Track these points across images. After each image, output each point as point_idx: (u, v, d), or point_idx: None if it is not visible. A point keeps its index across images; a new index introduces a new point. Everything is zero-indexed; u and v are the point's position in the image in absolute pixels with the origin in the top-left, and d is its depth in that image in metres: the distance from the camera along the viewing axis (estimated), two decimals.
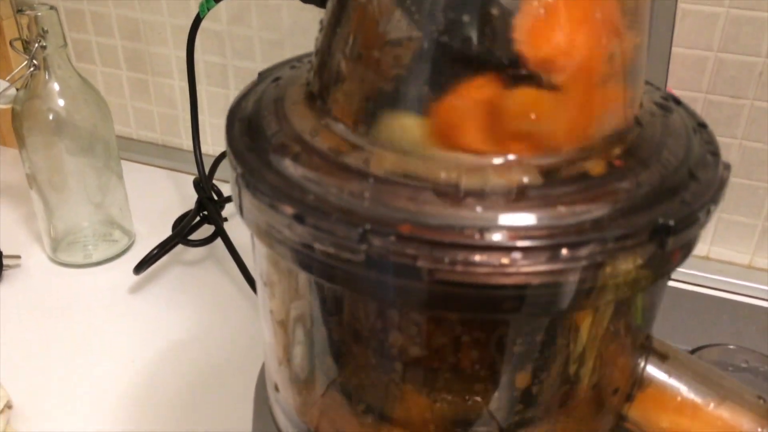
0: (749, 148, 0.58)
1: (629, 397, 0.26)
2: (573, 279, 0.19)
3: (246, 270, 0.56)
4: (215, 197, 0.63)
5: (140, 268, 0.56)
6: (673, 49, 0.50)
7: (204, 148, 0.63)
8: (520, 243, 0.19)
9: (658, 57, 0.45)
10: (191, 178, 0.63)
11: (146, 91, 0.74)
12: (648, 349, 0.26)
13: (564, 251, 0.19)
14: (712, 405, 0.25)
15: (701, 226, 0.21)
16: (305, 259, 0.21)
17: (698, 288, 0.62)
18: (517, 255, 0.19)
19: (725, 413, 0.25)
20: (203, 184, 0.62)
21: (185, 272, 0.60)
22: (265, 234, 0.22)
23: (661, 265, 0.21)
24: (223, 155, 0.67)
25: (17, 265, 0.59)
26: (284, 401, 0.27)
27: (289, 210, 0.20)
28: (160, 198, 0.70)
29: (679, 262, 0.21)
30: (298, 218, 0.20)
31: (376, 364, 0.23)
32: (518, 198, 0.20)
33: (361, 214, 0.19)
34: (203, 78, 0.70)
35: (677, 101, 0.26)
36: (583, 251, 0.19)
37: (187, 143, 0.75)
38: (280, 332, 0.26)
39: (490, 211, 0.19)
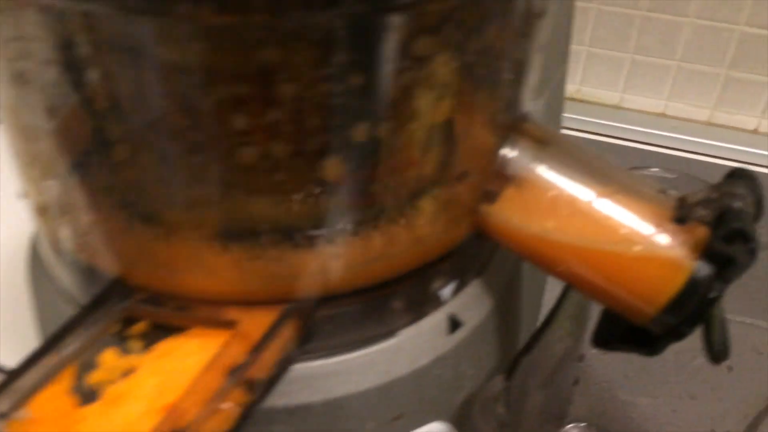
0: None
1: (490, 195, 0.19)
2: None
3: None
4: None
5: None
6: None
7: None
8: None
9: None
10: None
11: None
12: (518, 130, 0.19)
13: None
14: (594, 199, 0.19)
15: None
16: None
17: (653, 147, 0.56)
18: None
19: (610, 209, 0.19)
20: None
21: None
22: None
23: None
24: None
25: None
26: (50, 232, 0.20)
27: None
28: None
29: None
30: None
31: (142, 139, 0.16)
32: None
33: None
34: None
35: None
36: None
37: None
38: (20, 130, 0.19)
39: None
